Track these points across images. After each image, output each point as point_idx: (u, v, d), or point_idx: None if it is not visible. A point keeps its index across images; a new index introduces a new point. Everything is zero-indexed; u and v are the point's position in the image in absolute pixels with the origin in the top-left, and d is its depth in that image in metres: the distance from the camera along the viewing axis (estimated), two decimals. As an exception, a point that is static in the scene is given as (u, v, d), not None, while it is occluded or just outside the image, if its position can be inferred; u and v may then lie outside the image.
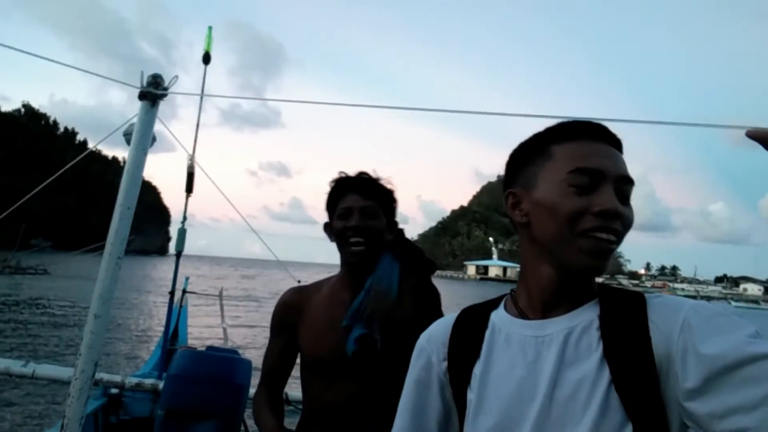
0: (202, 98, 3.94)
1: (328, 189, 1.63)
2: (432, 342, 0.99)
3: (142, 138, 2.28)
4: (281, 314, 1.67)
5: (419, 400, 0.98)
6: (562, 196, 0.84)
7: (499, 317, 0.94)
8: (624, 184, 0.86)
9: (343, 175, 1.62)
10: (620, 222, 0.83)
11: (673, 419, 0.77)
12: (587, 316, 0.85)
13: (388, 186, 1.64)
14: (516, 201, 0.93)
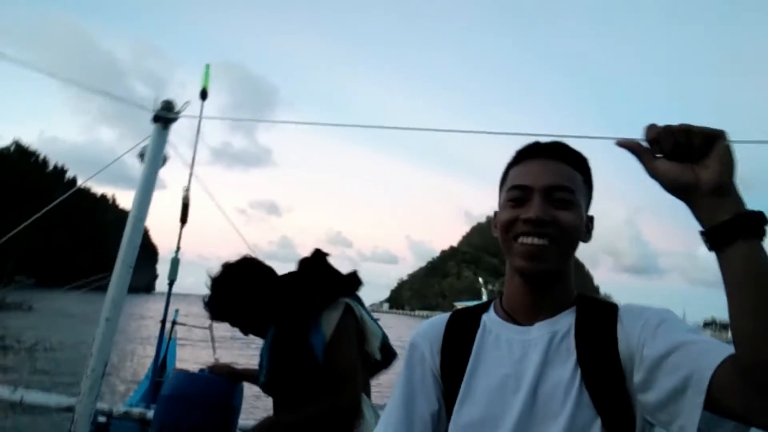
0: (199, 127, 4.17)
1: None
2: (426, 338, 1.05)
3: (155, 157, 2.49)
4: None
5: (412, 393, 1.02)
6: (505, 211, 0.98)
7: (490, 319, 1.02)
8: (554, 192, 0.94)
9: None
10: (554, 227, 0.92)
11: (639, 414, 0.85)
12: (567, 321, 0.94)
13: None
14: (496, 222, 1.04)
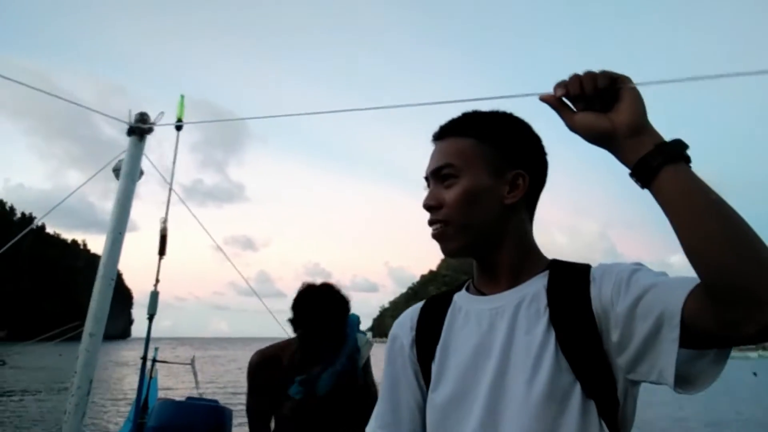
0: (175, 155, 4.13)
1: (295, 295, 2.12)
2: (403, 327, 1.07)
3: (132, 169, 2.47)
4: (256, 374, 2.16)
5: (396, 383, 1.04)
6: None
7: (460, 297, 1.02)
8: (439, 173, 0.97)
9: (309, 286, 2.13)
10: (446, 208, 0.95)
11: (619, 376, 0.85)
12: (536, 286, 0.93)
13: (341, 295, 2.14)
14: None
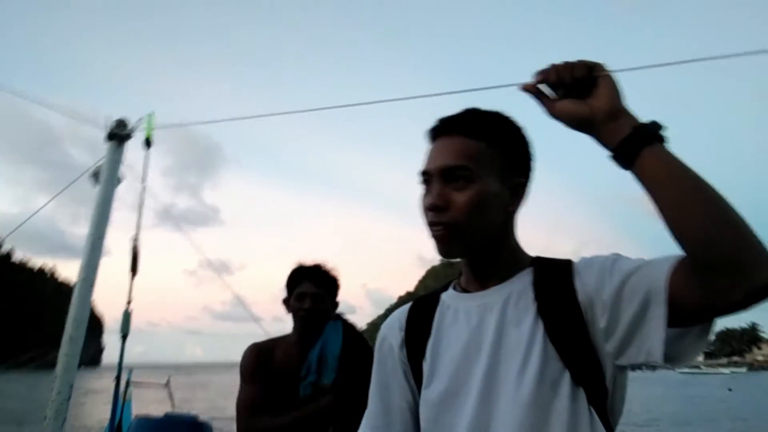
0: (145, 174, 4.12)
1: (288, 273, 2.14)
2: (392, 329, 1.07)
3: (111, 174, 2.48)
4: (252, 364, 2.12)
5: (386, 385, 1.04)
6: (421, 198, 0.97)
7: (448, 296, 1.03)
8: (450, 172, 0.92)
9: (302, 264, 2.13)
10: (453, 209, 0.91)
11: (608, 364, 0.87)
12: (522, 282, 0.94)
13: (334, 274, 2.16)
14: None
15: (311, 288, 2.07)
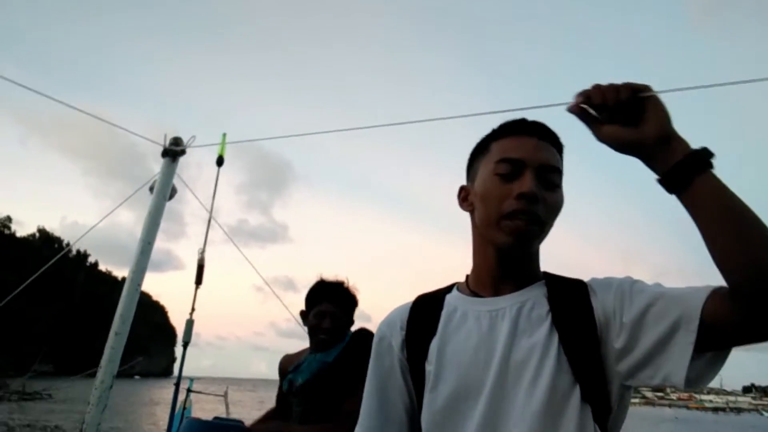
0: (215, 189, 4.39)
1: (310, 288, 2.21)
2: (391, 326, 1.05)
3: (163, 187, 2.73)
4: (279, 371, 2.30)
5: (384, 383, 1.03)
6: (490, 184, 0.95)
7: (454, 297, 1.01)
8: (547, 172, 0.93)
9: (323, 280, 2.21)
10: (543, 206, 0.91)
11: (615, 383, 0.87)
12: (536, 292, 0.94)
13: (353, 292, 2.22)
14: (465, 194, 1.04)
15: (330, 308, 2.12)
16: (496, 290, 0.97)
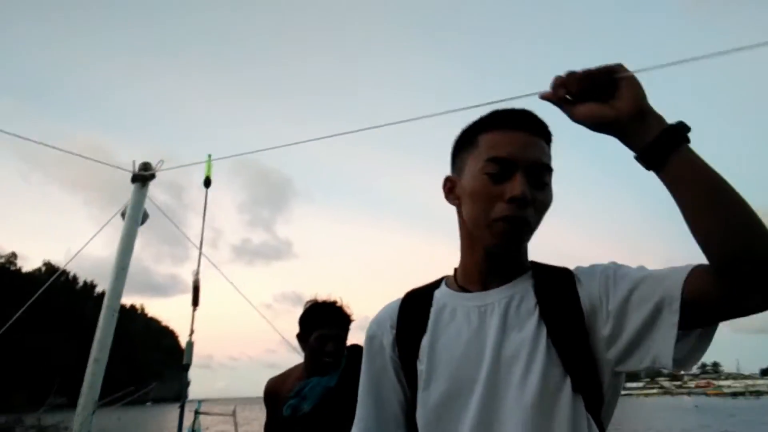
0: (205, 211, 4.41)
1: (306, 309, 2.16)
2: (381, 325, 1.04)
3: (135, 212, 2.78)
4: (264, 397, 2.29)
5: (377, 383, 1.02)
6: (479, 183, 0.92)
7: (443, 293, 1.01)
8: (537, 170, 0.91)
9: (319, 302, 2.17)
10: (533, 207, 0.90)
11: (606, 372, 0.88)
12: (523, 286, 0.94)
13: (349, 312, 2.20)
14: (451, 186, 1.01)
15: (333, 331, 2.10)
16: (484, 285, 0.97)
